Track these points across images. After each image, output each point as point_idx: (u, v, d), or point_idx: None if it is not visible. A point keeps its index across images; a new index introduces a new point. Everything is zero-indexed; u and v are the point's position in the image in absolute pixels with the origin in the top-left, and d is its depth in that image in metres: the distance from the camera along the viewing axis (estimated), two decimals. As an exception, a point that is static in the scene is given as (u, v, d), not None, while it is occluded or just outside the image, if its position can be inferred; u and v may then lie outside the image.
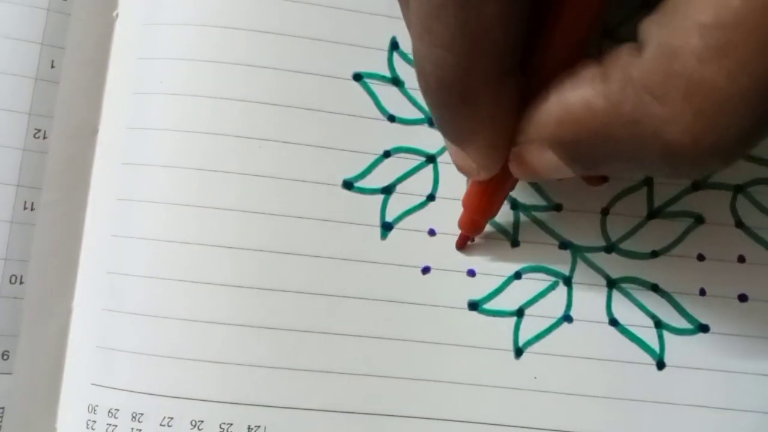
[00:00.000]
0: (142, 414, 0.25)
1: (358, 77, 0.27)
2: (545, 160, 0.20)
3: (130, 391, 0.25)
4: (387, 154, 0.26)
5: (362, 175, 0.26)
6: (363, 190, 0.26)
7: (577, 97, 0.18)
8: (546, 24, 0.19)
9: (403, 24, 0.22)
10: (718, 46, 0.16)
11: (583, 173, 0.20)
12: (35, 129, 0.26)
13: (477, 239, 0.26)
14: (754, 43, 0.16)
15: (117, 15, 0.27)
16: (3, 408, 0.25)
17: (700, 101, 0.16)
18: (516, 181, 0.23)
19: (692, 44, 0.16)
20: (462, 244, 0.26)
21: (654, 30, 0.17)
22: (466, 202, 0.25)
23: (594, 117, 0.18)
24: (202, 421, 0.25)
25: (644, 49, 0.17)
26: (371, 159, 0.26)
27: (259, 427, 0.25)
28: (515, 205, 0.26)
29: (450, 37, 0.18)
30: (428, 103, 0.20)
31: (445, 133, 0.21)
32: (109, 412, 0.25)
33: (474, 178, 0.23)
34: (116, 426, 0.25)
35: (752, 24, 0.16)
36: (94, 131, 0.27)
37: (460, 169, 0.22)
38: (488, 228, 0.26)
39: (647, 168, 0.19)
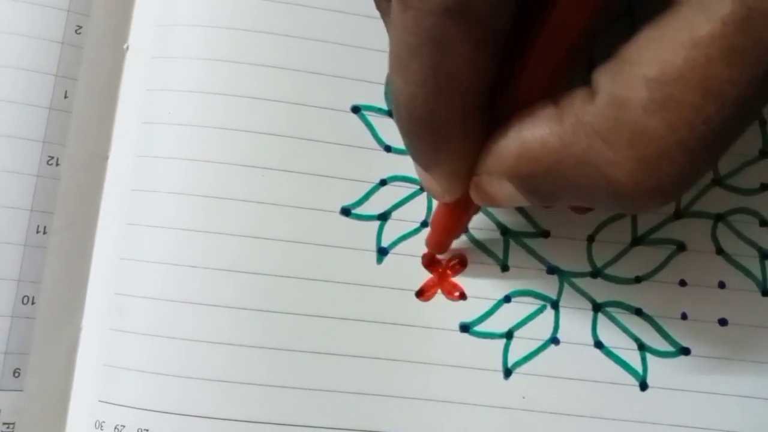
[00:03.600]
0: (147, 430, 0.26)
1: (356, 109, 0.28)
2: (503, 190, 0.21)
3: (136, 408, 0.26)
4: (383, 183, 0.28)
5: (359, 202, 0.27)
6: (360, 217, 0.27)
7: (534, 135, 0.20)
8: (514, 65, 0.20)
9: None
10: (662, 100, 0.17)
11: (538, 204, 0.21)
12: (48, 156, 0.27)
13: (468, 265, 0.27)
14: (692, 98, 0.17)
15: (127, 48, 0.29)
16: (14, 423, 0.26)
17: (643, 148, 0.18)
18: (478, 207, 0.25)
19: (639, 96, 0.18)
20: (428, 262, 0.27)
21: (605, 79, 0.18)
22: (434, 222, 0.26)
23: (548, 154, 0.19)
24: (205, 438, 0.26)
25: (596, 96, 0.19)
26: (368, 187, 0.27)
27: (259, 443, 0.26)
28: (505, 231, 0.27)
29: (423, 76, 0.19)
30: (400, 131, 0.22)
31: (414, 158, 0.23)
32: (115, 428, 0.26)
33: (438, 200, 0.24)
34: (122, 441, 0.26)
35: (691, 82, 0.17)
36: (105, 159, 0.28)
37: (426, 189, 0.24)
38: (479, 253, 0.27)
39: (594, 202, 0.21)
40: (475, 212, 0.26)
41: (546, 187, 0.20)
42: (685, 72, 0.17)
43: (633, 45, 0.18)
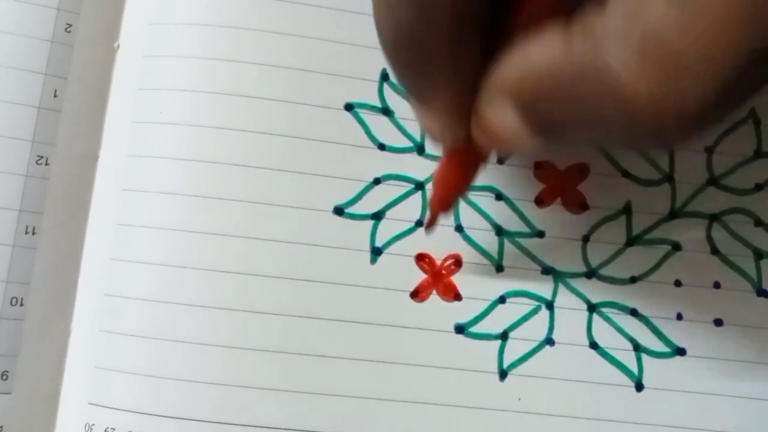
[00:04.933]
0: (137, 433, 0.26)
1: (349, 107, 0.28)
2: (505, 119, 0.20)
3: (126, 410, 0.26)
4: (377, 181, 0.27)
5: (353, 201, 0.27)
6: (353, 216, 0.27)
7: (539, 53, 0.18)
8: None
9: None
10: (679, 4, 0.16)
11: (543, 142, 0.20)
12: (38, 156, 0.27)
13: (464, 263, 0.27)
14: (712, 10, 0.16)
15: (118, 46, 0.28)
16: (2, 427, 0.26)
17: (661, 60, 0.16)
18: (485, 157, 0.23)
19: (654, 2, 0.16)
20: (431, 223, 0.25)
21: None
22: (437, 180, 0.24)
23: (553, 72, 0.18)
24: (196, 440, 0.25)
25: (608, 5, 0.17)
26: (362, 186, 0.27)
27: (251, 445, 0.25)
28: (500, 232, 0.27)
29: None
30: (388, 62, 0.20)
31: (408, 91, 0.21)
32: (105, 430, 0.26)
33: (440, 142, 0.22)
34: (112, 444, 0.26)
35: None
36: (95, 158, 0.28)
37: (427, 131, 0.22)
38: (474, 253, 0.27)
39: (606, 129, 0.18)
40: (484, 164, 0.23)
41: (551, 111, 0.18)
42: None
43: None
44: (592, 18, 0.17)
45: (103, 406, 0.26)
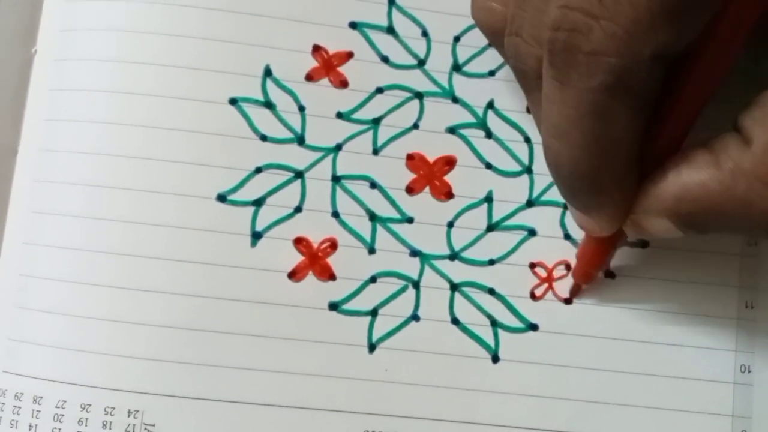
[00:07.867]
0: (41, 397, 0.28)
1: (233, 102, 0.29)
2: (660, 226, 0.24)
3: (32, 377, 0.28)
4: (258, 170, 0.29)
5: (235, 189, 0.29)
6: (235, 203, 0.29)
7: (694, 179, 0.22)
8: (658, 119, 0.23)
9: (277, 52, 0.28)
10: None
11: (691, 235, 0.24)
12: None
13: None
14: None
15: (35, 51, 0.30)
16: None
17: None
18: (624, 237, 0.27)
19: None
20: (575, 293, 0.29)
21: (758, 128, 0.21)
22: (581, 256, 0.28)
23: (709, 197, 0.22)
24: (90, 404, 0.28)
25: (752, 144, 0.21)
26: (244, 174, 0.29)
27: (138, 411, 0.28)
28: (373, 217, 0.29)
29: (584, 141, 0.22)
30: (559, 187, 0.25)
31: (573, 206, 0.25)
32: (15, 395, 0.28)
33: (595, 235, 0.26)
34: (20, 407, 0.28)
35: None
36: (15, 152, 0.30)
37: (584, 228, 0.26)
38: (349, 237, 0.29)
39: (750, 235, 0.23)
40: (621, 244, 0.28)
41: (704, 223, 0.23)
42: None
43: None
44: (736, 154, 0.21)
45: (14, 374, 0.28)
